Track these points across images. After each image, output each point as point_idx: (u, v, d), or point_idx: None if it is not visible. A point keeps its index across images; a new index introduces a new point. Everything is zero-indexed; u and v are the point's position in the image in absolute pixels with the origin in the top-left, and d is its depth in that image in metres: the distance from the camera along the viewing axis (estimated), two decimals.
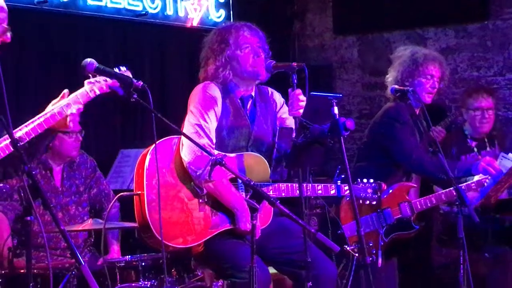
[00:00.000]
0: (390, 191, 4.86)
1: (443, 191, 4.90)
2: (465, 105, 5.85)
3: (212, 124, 4.10)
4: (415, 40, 7.34)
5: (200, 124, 4.05)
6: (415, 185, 5.13)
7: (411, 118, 5.04)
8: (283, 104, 4.30)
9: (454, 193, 4.62)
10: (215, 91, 4.17)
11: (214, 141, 4.11)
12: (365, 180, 4.41)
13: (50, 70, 6.14)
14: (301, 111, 3.92)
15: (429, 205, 4.92)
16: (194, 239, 4.05)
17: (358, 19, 7.82)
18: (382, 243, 4.85)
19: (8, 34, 3.44)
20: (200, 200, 4.08)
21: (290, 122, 4.20)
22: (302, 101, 3.93)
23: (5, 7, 3.48)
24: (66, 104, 3.56)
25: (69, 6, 6.19)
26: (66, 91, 3.64)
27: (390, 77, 5.19)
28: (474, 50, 7.40)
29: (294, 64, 3.98)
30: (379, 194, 4.41)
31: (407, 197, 4.92)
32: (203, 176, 3.96)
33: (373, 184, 4.41)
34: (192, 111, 4.13)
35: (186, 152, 4.02)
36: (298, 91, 3.97)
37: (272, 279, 4.81)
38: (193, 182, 4.05)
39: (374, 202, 4.45)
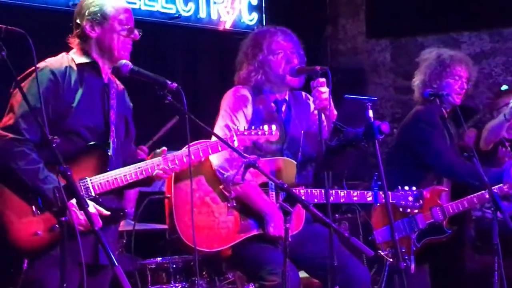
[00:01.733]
0: None
1: (475, 194, 4.84)
2: (495, 106, 5.81)
3: (241, 126, 4.10)
4: (448, 44, 7.26)
5: (229, 126, 4.06)
6: (446, 189, 5.07)
7: (440, 120, 5.00)
8: None
9: (487, 196, 4.57)
10: (245, 94, 4.18)
11: None
12: (406, 188, 4.37)
13: None
14: (326, 102, 3.89)
15: (461, 209, 4.87)
16: (221, 244, 4.05)
17: (391, 22, 7.78)
18: (414, 248, 4.80)
19: (136, 32, 3.62)
20: (228, 204, 4.07)
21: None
22: (324, 92, 3.91)
23: (129, 7, 3.68)
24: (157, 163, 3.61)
25: None
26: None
27: (417, 80, 5.15)
28: (509, 54, 7.33)
29: (318, 67, 3.98)
30: (421, 203, 4.36)
31: (438, 201, 4.87)
32: (231, 179, 3.96)
33: (414, 192, 4.36)
34: (221, 114, 4.16)
35: (215, 155, 4.01)
36: (320, 81, 3.93)
37: (302, 283, 4.80)
38: (221, 186, 4.05)
39: (416, 211, 4.40)
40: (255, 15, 7.38)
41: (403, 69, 7.75)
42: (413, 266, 4.71)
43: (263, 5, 7.47)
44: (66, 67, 3.45)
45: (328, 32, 8.26)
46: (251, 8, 7.38)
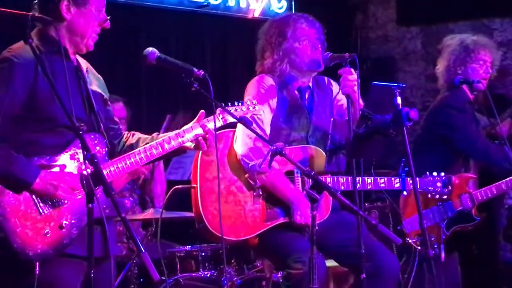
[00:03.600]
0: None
1: (504, 180, 4.79)
2: None
3: (266, 116, 4.09)
4: (480, 31, 7.14)
5: (253, 116, 4.04)
6: (474, 176, 5.01)
7: (469, 106, 4.96)
8: (339, 91, 4.25)
9: None
10: (270, 83, 4.17)
11: (268, 132, 4.10)
12: (434, 174, 4.33)
13: (112, 61, 6.19)
14: (355, 88, 3.89)
15: (489, 195, 4.82)
16: (247, 232, 4.04)
17: (422, 9, 7.69)
18: (443, 237, 4.75)
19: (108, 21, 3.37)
20: (254, 193, 4.07)
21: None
22: (353, 80, 3.92)
23: None
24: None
25: None
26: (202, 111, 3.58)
27: (441, 67, 5.11)
28: None
29: (347, 55, 4.00)
30: (450, 188, 4.31)
31: (467, 188, 4.82)
32: (256, 168, 3.95)
33: (443, 178, 4.32)
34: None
35: (239, 144, 4.02)
36: (347, 68, 3.95)
37: (332, 273, 4.79)
38: (247, 175, 4.04)
39: (445, 197, 4.36)
40: (284, 3, 7.36)
41: (434, 56, 7.60)
42: (443, 254, 4.67)
43: None
44: (33, 56, 3.02)
45: (358, 19, 8.21)
46: None
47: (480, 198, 4.82)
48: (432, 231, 4.74)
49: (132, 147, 3.50)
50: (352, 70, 3.97)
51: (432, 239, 4.70)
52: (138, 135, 3.58)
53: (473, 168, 5.18)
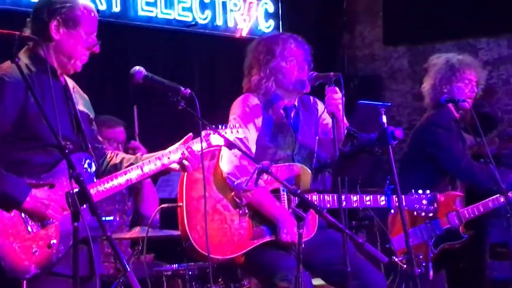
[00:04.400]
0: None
1: (490, 198, 4.82)
2: None
3: (251, 135, 4.11)
4: (466, 50, 7.21)
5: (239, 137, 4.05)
6: (461, 194, 5.04)
7: (454, 124, 4.99)
8: (324, 111, 4.29)
9: (502, 200, 4.57)
10: (256, 103, 4.19)
11: (254, 151, 4.10)
12: (420, 191, 4.35)
13: (100, 79, 6.20)
14: (340, 107, 3.92)
15: (476, 213, 4.86)
16: (234, 251, 4.04)
17: (409, 29, 7.75)
18: (431, 255, 4.77)
19: (98, 45, 3.37)
20: (240, 211, 4.08)
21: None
22: (337, 98, 3.95)
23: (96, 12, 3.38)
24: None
25: (120, 16, 6.28)
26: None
27: (427, 86, 5.17)
28: None
29: (331, 74, 4.04)
30: (435, 206, 4.34)
31: (454, 206, 4.85)
32: (242, 186, 3.96)
33: (428, 195, 4.34)
34: (231, 123, 4.11)
35: (225, 162, 4.03)
36: (332, 87, 3.99)
37: None
38: (233, 193, 4.05)
39: (431, 214, 4.38)
40: (271, 22, 7.40)
41: (420, 75, 7.62)
42: (431, 272, 4.69)
43: (280, 12, 7.49)
44: (22, 75, 2.99)
45: (345, 39, 8.26)
46: (268, 16, 7.39)
47: (467, 216, 4.85)
48: (420, 249, 4.76)
49: (116, 167, 3.50)
50: (337, 89, 4.00)
51: (421, 257, 4.72)
52: (121, 155, 3.58)
53: (460, 186, 5.20)
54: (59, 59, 3.29)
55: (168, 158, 3.49)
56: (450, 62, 5.07)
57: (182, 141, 3.56)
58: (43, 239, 3.15)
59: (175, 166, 3.53)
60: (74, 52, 3.29)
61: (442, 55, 5.26)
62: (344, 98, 3.98)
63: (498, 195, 4.74)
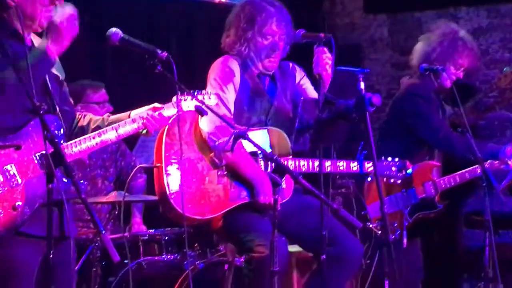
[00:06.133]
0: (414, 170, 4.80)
1: (467, 169, 4.84)
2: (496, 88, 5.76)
3: (230, 95, 4.11)
4: (446, 19, 7.21)
5: (219, 94, 4.03)
6: (438, 164, 5.06)
7: (434, 95, 4.99)
8: (303, 76, 4.29)
9: (478, 171, 4.59)
10: (234, 65, 4.19)
11: (232, 112, 4.11)
12: (389, 158, 4.36)
13: (77, 44, 6.12)
14: (328, 68, 3.90)
15: (453, 183, 4.88)
16: (212, 212, 4.04)
17: None
18: (406, 223, 4.80)
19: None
20: (219, 172, 4.07)
21: (312, 93, 4.22)
22: (327, 59, 3.95)
23: None
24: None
25: None
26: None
27: (421, 51, 5.07)
28: (507, 31, 7.29)
29: (322, 35, 4.04)
30: (404, 173, 4.35)
31: (431, 176, 4.87)
32: (221, 147, 3.95)
33: (397, 162, 4.36)
34: (211, 83, 4.15)
35: (206, 122, 4.01)
36: (322, 48, 3.98)
37: (296, 258, 4.81)
38: (212, 153, 4.04)
39: (399, 181, 4.39)
40: None
41: (400, 45, 7.71)
42: (405, 240, 4.72)
43: None
44: None
45: (325, 6, 8.20)
46: None
47: (443, 186, 4.88)
48: (395, 217, 4.79)
49: (83, 129, 3.47)
50: (326, 49, 3.97)
51: (395, 225, 4.75)
52: (89, 116, 3.55)
53: (437, 157, 5.22)
54: (23, 22, 3.19)
55: (138, 122, 3.46)
56: (455, 42, 4.96)
57: (150, 106, 3.54)
58: (8, 200, 3.11)
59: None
60: (35, 11, 3.23)
61: (453, 27, 5.18)
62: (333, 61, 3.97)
63: (475, 165, 4.75)
